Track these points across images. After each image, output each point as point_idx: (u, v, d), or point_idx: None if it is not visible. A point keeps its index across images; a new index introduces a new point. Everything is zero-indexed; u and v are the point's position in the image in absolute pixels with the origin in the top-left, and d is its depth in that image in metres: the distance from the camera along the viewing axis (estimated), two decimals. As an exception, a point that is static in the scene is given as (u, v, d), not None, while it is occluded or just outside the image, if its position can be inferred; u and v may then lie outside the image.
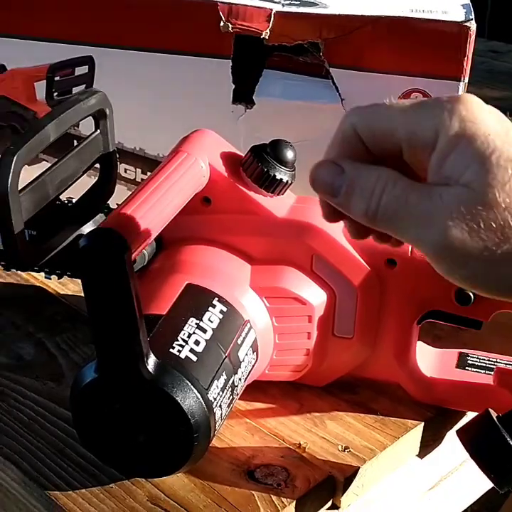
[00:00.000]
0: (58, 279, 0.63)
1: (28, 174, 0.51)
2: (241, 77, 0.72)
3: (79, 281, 0.66)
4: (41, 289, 0.67)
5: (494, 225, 0.37)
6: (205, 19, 0.69)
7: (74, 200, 0.59)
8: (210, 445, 0.50)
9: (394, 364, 0.56)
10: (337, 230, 0.54)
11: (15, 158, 0.46)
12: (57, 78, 0.75)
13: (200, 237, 0.55)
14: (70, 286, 0.68)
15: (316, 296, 0.54)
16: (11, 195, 0.46)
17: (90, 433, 0.48)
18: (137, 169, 0.77)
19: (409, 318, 0.55)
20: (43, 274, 0.63)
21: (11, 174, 0.46)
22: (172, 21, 0.70)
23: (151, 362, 0.46)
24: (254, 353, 0.53)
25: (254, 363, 0.53)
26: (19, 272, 0.68)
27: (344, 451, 0.53)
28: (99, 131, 0.56)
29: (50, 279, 0.63)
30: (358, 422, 0.55)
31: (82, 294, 0.62)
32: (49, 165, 0.53)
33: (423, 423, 0.55)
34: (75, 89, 0.75)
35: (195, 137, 0.55)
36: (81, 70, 0.74)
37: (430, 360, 0.58)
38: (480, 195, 0.37)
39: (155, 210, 0.48)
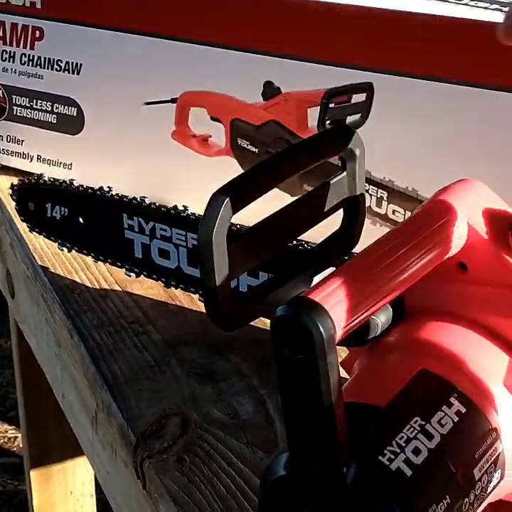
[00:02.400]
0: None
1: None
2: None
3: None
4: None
5: None
6: (496, 46, 0.58)
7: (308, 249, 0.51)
8: None
9: None
10: None
11: (225, 201, 0.39)
12: (331, 105, 0.69)
13: (450, 312, 0.45)
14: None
15: None
16: (216, 244, 0.39)
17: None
18: (407, 212, 0.67)
19: None
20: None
21: (217, 220, 0.39)
22: (467, 47, 0.60)
23: (351, 469, 0.37)
24: (499, 472, 0.41)
25: (498, 483, 0.41)
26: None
27: None
28: (345, 173, 0.48)
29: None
30: None
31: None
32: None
33: None
34: (349, 119, 0.68)
35: (455, 189, 0.45)
36: (358, 98, 0.67)
37: None
38: None
39: (380, 279, 0.38)
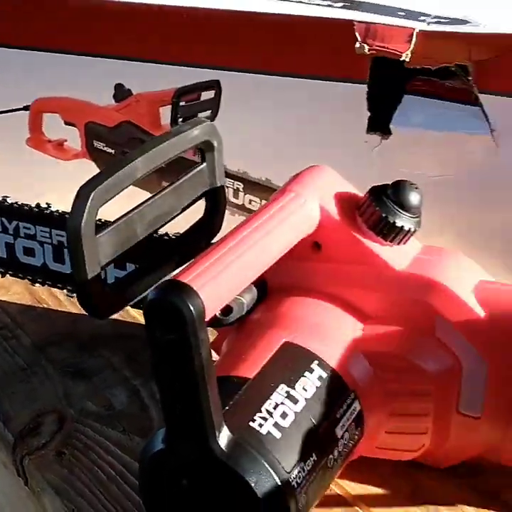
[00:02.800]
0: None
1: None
2: (378, 103, 0.65)
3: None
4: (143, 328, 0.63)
5: None
6: (338, 40, 0.62)
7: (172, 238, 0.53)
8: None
9: (532, 451, 0.47)
10: (467, 289, 0.46)
11: (91, 195, 0.41)
12: (182, 103, 0.71)
13: (307, 287, 0.49)
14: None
15: (437, 365, 0.46)
16: (85, 236, 0.41)
17: (156, 506, 0.43)
18: (263, 201, 0.71)
19: (552, 398, 0.45)
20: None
21: (85, 213, 0.41)
22: (301, 43, 0.64)
23: (225, 437, 0.39)
24: (359, 429, 0.45)
25: (358, 440, 0.45)
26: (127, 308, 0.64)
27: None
28: (205, 164, 0.50)
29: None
30: (484, 516, 0.46)
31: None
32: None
33: None
34: (200, 115, 0.71)
35: (307, 175, 0.48)
36: (207, 95, 0.70)
37: None
38: None
39: (242, 261, 0.41)
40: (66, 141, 0.75)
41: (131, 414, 0.54)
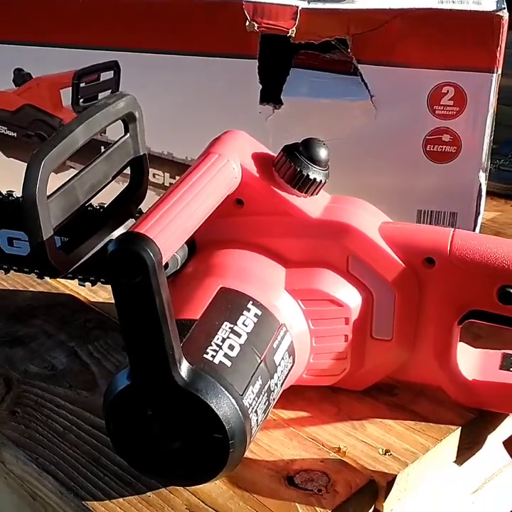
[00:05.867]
0: (91, 286, 0.63)
1: (55, 182, 0.50)
2: (268, 77, 0.71)
3: (110, 288, 0.66)
4: (72, 298, 0.67)
5: None
6: (230, 19, 0.68)
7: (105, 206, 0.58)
8: (248, 451, 0.49)
9: (434, 366, 0.54)
10: (373, 229, 0.53)
11: (42, 163, 0.45)
12: (82, 84, 0.75)
13: (234, 240, 0.54)
14: (101, 294, 0.67)
15: (352, 297, 0.53)
16: (39, 201, 0.45)
17: (124, 441, 0.47)
18: (165, 173, 0.76)
19: (449, 318, 0.53)
20: (75, 282, 0.63)
21: (38, 179, 0.45)
22: (196, 23, 0.69)
23: (184, 368, 0.45)
24: (291, 357, 0.51)
25: (291, 367, 0.52)
26: (51, 280, 0.67)
27: (385, 454, 0.51)
28: (128, 134, 0.55)
29: (84, 286, 0.63)
30: (398, 424, 0.54)
31: (112, 301, 0.61)
32: (76, 172, 0.52)
33: (465, 425, 0.53)
34: (101, 95, 0.75)
35: (226, 138, 0.54)
36: (106, 76, 0.74)
37: (472, 361, 0.56)
38: None
39: (185, 213, 0.47)
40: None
41: (73, 372, 0.58)
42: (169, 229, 0.45)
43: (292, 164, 0.53)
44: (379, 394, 0.56)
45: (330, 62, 0.71)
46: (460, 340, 0.55)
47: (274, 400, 0.50)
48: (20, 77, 0.75)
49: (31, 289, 0.67)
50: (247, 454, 0.49)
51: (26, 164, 0.46)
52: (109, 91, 0.74)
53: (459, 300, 0.53)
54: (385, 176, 0.70)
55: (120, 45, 0.72)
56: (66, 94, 0.75)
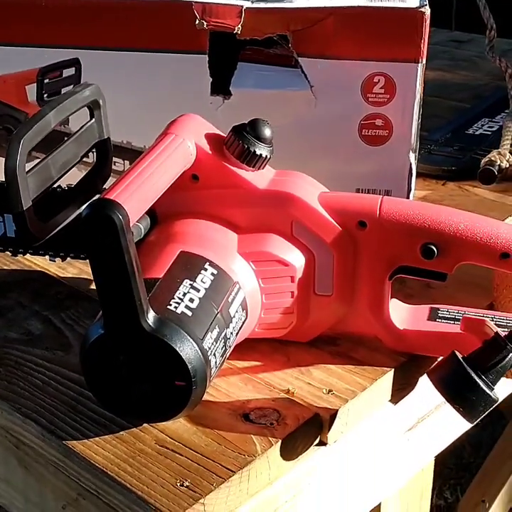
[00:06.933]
0: (62, 260, 0.69)
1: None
2: (217, 70, 0.78)
3: (78, 264, 0.72)
4: (43, 273, 0.73)
5: None
6: (181, 18, 0.75)
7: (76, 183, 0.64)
8: (209, 395, 0.56)
9: (370, 318, 0.62)
10: (313, 198, 0.60)
11: (22, 141, 0.52)
12: (46, 81, 0.81)
13: (191, 211, 0.61)
14: (70, 270, 0.73)
15: (297, 258, 0.60)
16: (20, 175, 0.52)
17: (100, 386, 0.54)
18: (125, 161, 0.82)
19: (381, 274, 0.61)
20: (46, 258, 0.69)
21: (18, 156, 0.51)
22: (151, 22, 0.76)
23: (151, 317, 0.51)
24: (244, 311, 0.58)
25: (245, 320, 0.59)
26: (23, 258, 0.73)
27: (328, 393, 0.59)
28: (93, 120, 0.62)
29: (55, 261, 0.69)
30: (340, 368, 0.61)
31: (81, 276, 0.68)
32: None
33: (398, 367, 0.61)
34: (64, 91, 0.81)
35: (181, 121, 0.61)
36: (68, 72, 0.80)
37: (403, 314, 0.64)
38: None
39: (147, 183, 0.53)
40: None
41: (48, 336, 0.65)
42: (134, 196, 0.52)
43: (241, 142, 0.60)
44: (323, 344, 0.64)
45: (273, 56, 0.78)
46: (394, 298, 0.63)
47: (230, 347, 0.57)
48: (-13, 75, 0.81)
49: (5, 267, 0.73)
50: (208, 397, 0.56)
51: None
52: (71, 86, 0.80)
53: (388, 257, 0.60)
54: (326, 159, 0.78)
55: (80, 43, 0.78)
56: (31, 90, 0.81)
